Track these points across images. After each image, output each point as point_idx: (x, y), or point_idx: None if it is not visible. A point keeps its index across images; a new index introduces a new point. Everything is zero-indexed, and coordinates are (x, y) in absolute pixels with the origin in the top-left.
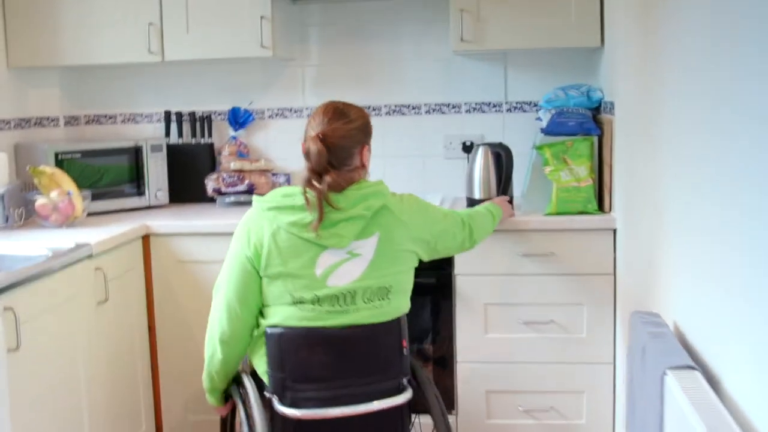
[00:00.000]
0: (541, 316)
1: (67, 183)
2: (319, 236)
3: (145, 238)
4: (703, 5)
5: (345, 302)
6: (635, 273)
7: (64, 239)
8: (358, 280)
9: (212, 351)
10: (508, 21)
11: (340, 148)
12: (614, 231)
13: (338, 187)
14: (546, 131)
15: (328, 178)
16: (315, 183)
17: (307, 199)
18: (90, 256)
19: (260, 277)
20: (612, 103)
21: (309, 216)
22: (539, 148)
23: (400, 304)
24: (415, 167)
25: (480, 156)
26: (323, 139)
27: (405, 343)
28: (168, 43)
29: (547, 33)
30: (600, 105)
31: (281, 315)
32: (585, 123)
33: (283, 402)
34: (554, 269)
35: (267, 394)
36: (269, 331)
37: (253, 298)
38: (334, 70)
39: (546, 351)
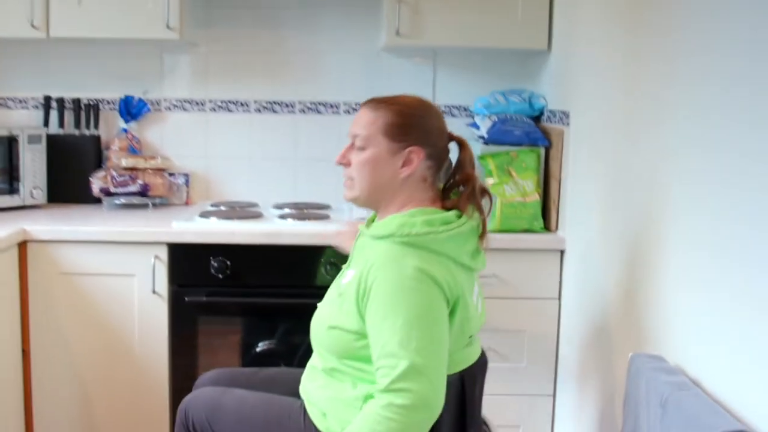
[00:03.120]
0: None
1: None
2: (478, 261)
3: (22, 245)
4: (687, 21)
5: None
6: (588, 299)
7: None
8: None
9: None
10: (448, 16)
11: None
12: (561, 252)
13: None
14: (488, 140)
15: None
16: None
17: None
18: None
19: None
20: (564, 113)
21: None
22: (482, 158)
23: None
24: (333, 172)
25: None
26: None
27: None
28: (55, 17)
29: (491, 31)
30: (542, 114)
31: (455, 359)
32: (532, 133)
33: None
34: (495, 292)
35: None
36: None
37: None
38: (243, 59)
39: None
